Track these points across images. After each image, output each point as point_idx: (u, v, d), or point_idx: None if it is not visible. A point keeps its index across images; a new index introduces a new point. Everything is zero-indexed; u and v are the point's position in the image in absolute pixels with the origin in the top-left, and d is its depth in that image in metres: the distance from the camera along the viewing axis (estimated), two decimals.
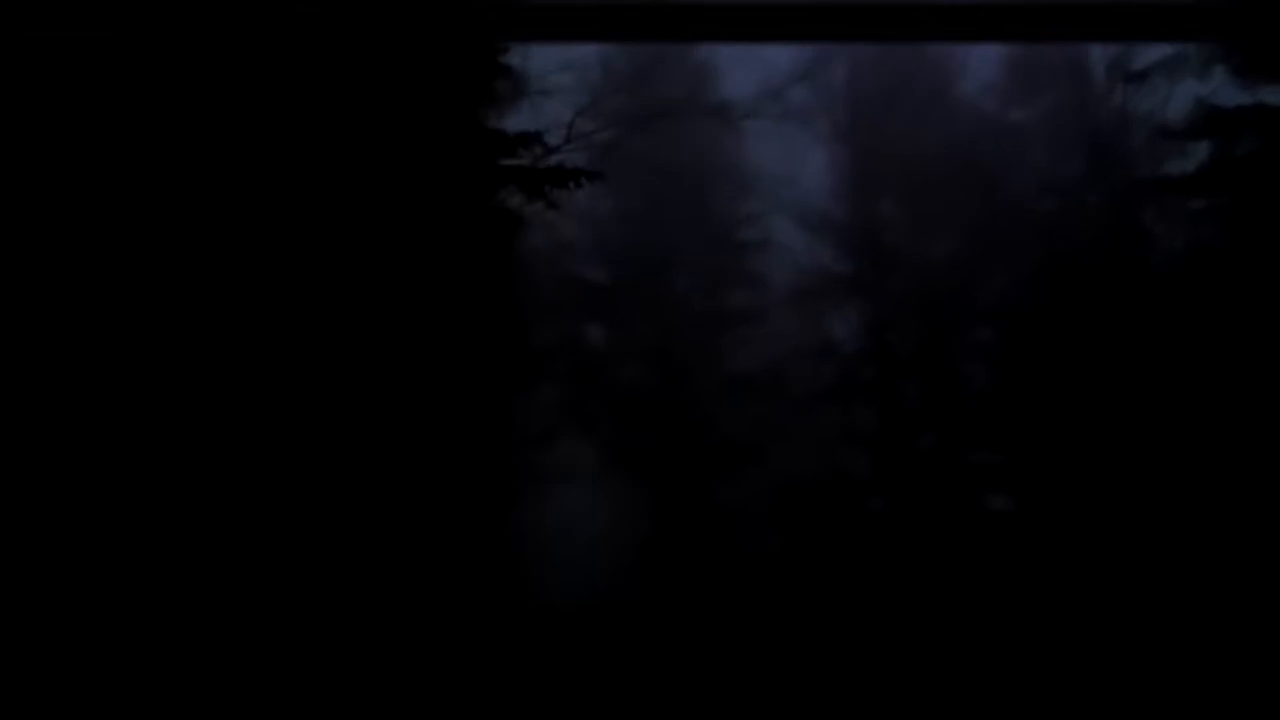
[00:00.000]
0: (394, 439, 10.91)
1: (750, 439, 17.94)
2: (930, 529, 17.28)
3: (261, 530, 9.94)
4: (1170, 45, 15.44)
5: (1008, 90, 18.72)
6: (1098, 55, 18.32)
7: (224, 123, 10.07)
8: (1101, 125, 17.95)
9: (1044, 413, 16.97)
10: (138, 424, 9.54)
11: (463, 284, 11.57)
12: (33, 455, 9.21)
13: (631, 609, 15.82)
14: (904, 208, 18.84)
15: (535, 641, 13.43)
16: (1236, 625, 13.04)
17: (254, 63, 10.24)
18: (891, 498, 17.92)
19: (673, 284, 19.08)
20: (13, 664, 8.84)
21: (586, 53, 17.20)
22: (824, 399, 18.33)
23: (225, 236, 10.05)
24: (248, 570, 9.81)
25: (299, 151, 10.48)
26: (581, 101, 16.44)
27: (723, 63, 19.03)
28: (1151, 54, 16.30)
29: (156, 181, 9.83)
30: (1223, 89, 14.67)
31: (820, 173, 19.11)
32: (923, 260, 18.32)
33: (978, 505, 17.54)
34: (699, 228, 18.88)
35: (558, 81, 15.24)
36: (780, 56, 18.29)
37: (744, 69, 18.20)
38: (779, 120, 18.48)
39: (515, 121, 13.06)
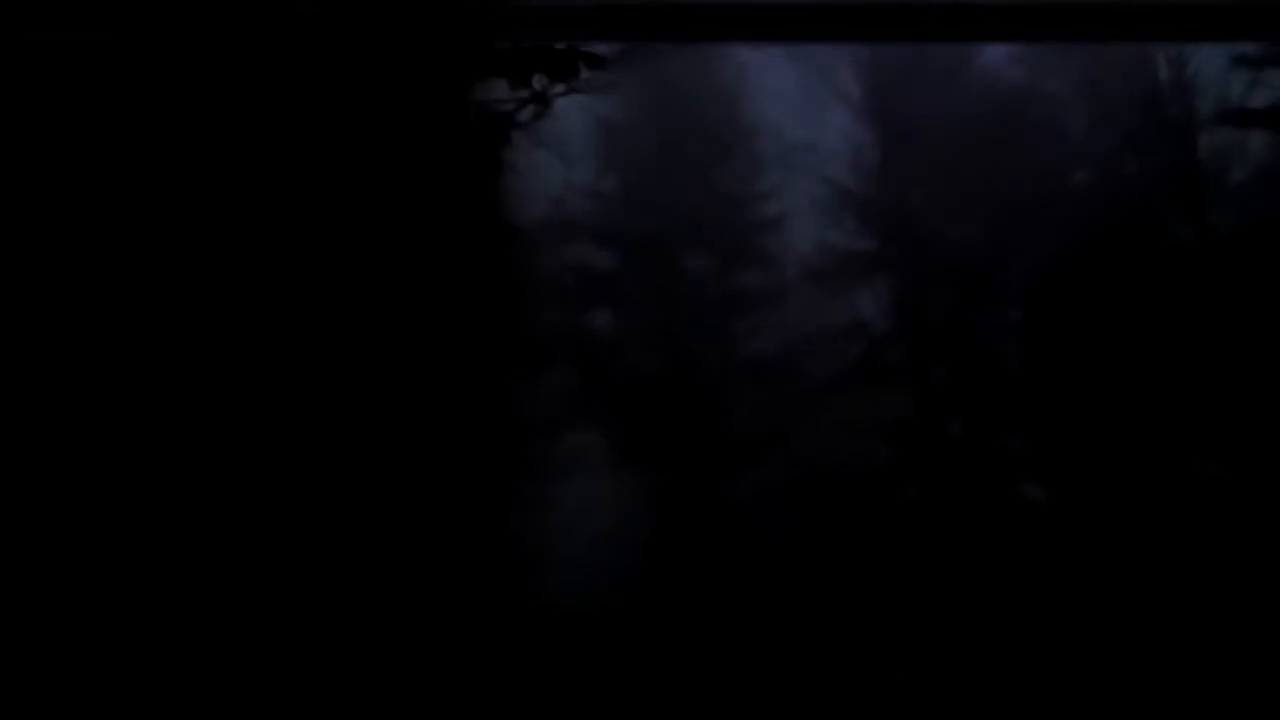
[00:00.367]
0: (393, 429, 10.87)
1: (768, 427, 17.37)
2: (961, 520, 16.68)
3: (256, 523, 9.90)
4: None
5: (1044, 54, 17.95)
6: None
7: (221, 111, 10.10)
8: (1142, 95, 17.34)
9: (1081, 398, 16.33)
10: (131, 408, 9.54)
11: (463, 269, 11.63)
12: (33, 455, 9.20)
13: (643, 608, 15.37)
14: (932, 178, 18.16)
15: (539, 642, 13.29)
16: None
17: (252, 56, 10.33)
18: (920, 488, 17.27)
19: (682, 264, 18.47)
20: (13, 664, 8.85)
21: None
22: (845, 384, 17.71)
23: (219, 221, 10.07)
24: (242, 562, 9.77)
25: (295, 139, 10.53)
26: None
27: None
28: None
29: (150, 167, 9.82)
30: None
31: (841, 139, 18.45)
32: (951, 236, 17.67)
33: (1012, 494, 16.85)
34: (711, 202, 18.25)
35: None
36: None
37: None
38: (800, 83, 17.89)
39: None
